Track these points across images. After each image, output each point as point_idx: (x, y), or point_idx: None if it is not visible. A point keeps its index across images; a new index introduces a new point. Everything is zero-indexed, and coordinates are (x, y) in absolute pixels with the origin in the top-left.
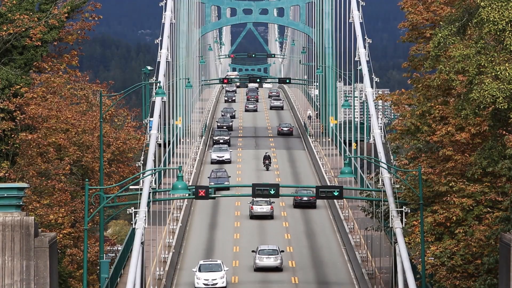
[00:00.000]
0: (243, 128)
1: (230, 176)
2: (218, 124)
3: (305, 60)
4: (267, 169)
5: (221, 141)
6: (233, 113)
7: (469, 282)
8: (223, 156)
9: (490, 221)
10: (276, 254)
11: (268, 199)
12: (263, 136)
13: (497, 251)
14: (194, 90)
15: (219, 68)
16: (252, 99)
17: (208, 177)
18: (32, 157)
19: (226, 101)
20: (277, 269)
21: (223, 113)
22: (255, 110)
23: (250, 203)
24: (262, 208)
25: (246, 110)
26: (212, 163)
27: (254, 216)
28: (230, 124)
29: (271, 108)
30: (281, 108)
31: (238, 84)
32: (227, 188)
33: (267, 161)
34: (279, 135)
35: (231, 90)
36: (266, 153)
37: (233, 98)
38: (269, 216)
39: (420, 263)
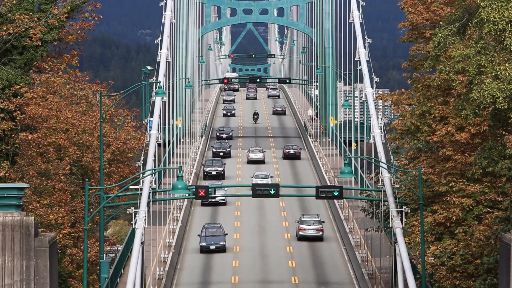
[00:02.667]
0: (243, 128)
1: (227, 234)
2: (214, 150)
3: (305, 60)
4: (255, 122)
5: (214, 172)
6: (230, 133)
7: (469, 282)
8: (216, 197)
9: (490, 221)
10: (267, 178)
11: (260, 148)
12: (263, 136)
13: (497, 251)
14: (194, 90)
15: (219, 68)
16: (252, 88)
17: (198, 235)
18: (32, 157)
19: (224, 115)
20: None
21: (218, 133)
22: (255, 98)
23: (247, 151)
24: (256, 155)
25: (247, 98)
26: (203, 204)
27: (250, 161)
28: (228, 150)
29: (269, 96)
30: (277, 96)
31: (237, 86)
32: (229, 154)
33: (256, 116)
34: (274, 115)
35: (229, 99)
36: (255, 110)
37: (233, 112)
38: (261, 162)
39: (420, 263)
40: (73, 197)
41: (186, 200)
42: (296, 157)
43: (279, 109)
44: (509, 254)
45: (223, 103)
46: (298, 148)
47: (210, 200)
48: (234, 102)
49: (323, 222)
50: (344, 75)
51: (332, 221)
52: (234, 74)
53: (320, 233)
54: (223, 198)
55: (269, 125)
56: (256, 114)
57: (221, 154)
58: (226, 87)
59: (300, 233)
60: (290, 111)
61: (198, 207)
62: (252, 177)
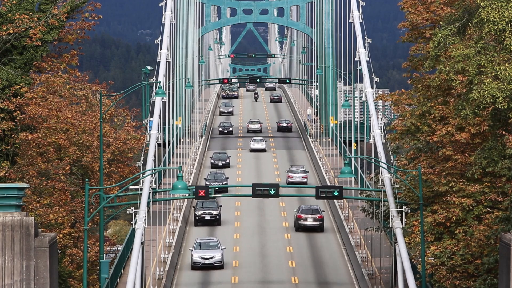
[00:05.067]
0: (243, 129)
1: None
2: (208, 183)
3: (305, 60)
4: (256, 100)
5: (208, 217)
6: (227, 159)
7: (469, 282)
8: (212, 257)
9: (490, 221)
10: (263, 142)
11: (258, 120)
12: (263, 136)
13: (497, 251)
14: (194, 90)
15: (219, 68)
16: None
17: None
18: (32, 157)
19: (220, 133)
20: (263, 150)
21: (213, 161)
22: (255, 90)
23: (247, 122)
24: (254, 125)
25: (247, 90)
26: (193, 268)
27: (250, 131)
28: (225, 182)
29: (266, 89)
30: (274, 89)
31: (236, 94)
32: (226, 190)
33: (256, 95)
34: (271, 102)
35: (227, 111)
36: (255, 90)
37: (230, 129)
38: (258, 131)
39: (420, 263)
40: (73, 197)
41: (186, 200)
42: (288, 129)
43: (276, 97)
44: (509, 254)
45: (220, 115)
46: (290, 122)
47: (203, 263)
48: (232, 115)
49: (307, 172)
50: (344, 75)
51: (332, 221)
52: (233, 80)
53: (305, 180)
54: (219, 260)
55: (269, 125)
56: (256, 93)
57: (217, 188)
58: (224, 95)
59: (289, 179)
60: (290, 111)
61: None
62: (250, 141)
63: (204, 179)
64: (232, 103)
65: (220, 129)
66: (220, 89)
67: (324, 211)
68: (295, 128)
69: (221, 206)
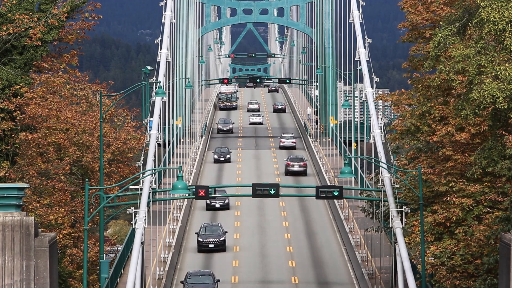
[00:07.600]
0: (243, 128)
1: None
2: (200, 239)
3: (305, 60)
4: (254, 88)
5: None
6: (226, 200)
7: (469, 282)
8: None
9: (490, 221)
10: (260, 116)
11: (256, 100)
12: (263, 136)
13: (497, 251)
14: (194, 90)
15: (219, 68)
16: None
17: None
18: (32, 157)
19: (216, 161)
20: (260, 123)
21: (209, 201)
22: (255, 88)
23: (248, 103)
24: (253, 105)
25: (247, 87)
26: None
27: (249, 110)
28: (223, 239)
29: (264, 86)
30: (272, 84)
31: (235, 104)
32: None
33: (254, 83)
34: (269, 92)
35: (225, 129)
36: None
37: (227, 156)
38: (257, 110)
39: (420, 263)
40: (73, 197)
41: (186, 200)
42: (282, 110)
43: (273, 88)
44: (509, 254)
45: (218, 133)
46: (284, 104)
47: None
48: (232, 132)
49: (297, 138)
50: (344, 75)
51: (332, 221)
52: (231, 89)
53: (294, 144)
54: None
55: (269, 125)
56: (254, 82)
57: (211, 246)
58: (221, 105)
59: (281, 144)
60: (285, 99)
61: (198, 211)
62: (249, 116)
63: (196, 233)
64: (231, 118)
65: (216, 156)
66: (217, 99)
67: (308, 160)
68: (288, 110)
69: (218, 281)
